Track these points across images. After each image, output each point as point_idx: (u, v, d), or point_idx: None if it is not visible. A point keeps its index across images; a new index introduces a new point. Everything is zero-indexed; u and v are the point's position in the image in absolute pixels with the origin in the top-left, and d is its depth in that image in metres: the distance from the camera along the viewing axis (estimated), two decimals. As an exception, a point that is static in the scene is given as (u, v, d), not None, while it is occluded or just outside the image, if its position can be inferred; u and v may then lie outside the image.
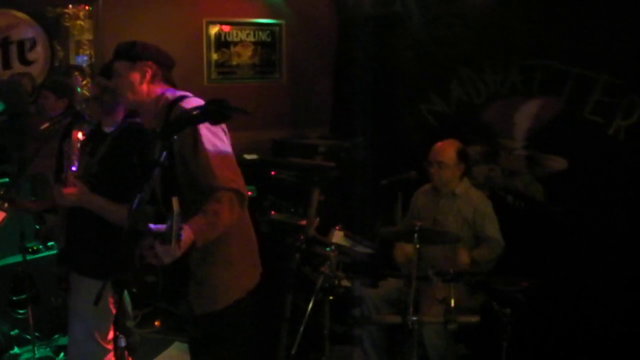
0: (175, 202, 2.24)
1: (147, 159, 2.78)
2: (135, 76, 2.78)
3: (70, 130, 3.89)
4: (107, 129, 3.26)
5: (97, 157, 3.17)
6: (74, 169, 3.05)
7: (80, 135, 3.14)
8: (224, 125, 2.77)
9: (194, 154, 2.61)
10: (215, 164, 2.59)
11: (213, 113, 2.39)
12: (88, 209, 3.04)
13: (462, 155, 4.32)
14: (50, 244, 4.74)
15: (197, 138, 2.60)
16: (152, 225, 2.28)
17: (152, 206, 2.69)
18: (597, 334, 4.17)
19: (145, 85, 2.78)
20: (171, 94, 2.80)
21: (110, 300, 3.13)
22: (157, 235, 2.31)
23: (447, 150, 4.30)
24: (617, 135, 4.20)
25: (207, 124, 2.61)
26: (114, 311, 3.16)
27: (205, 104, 2.47)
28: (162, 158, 2.31)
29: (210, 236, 2.51)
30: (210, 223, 2.47)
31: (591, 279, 4.24)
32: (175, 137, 2.41)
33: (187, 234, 2.35)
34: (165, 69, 2.84)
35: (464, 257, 4.04)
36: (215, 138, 2.66)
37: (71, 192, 2.99)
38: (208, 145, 2.61)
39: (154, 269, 2.62)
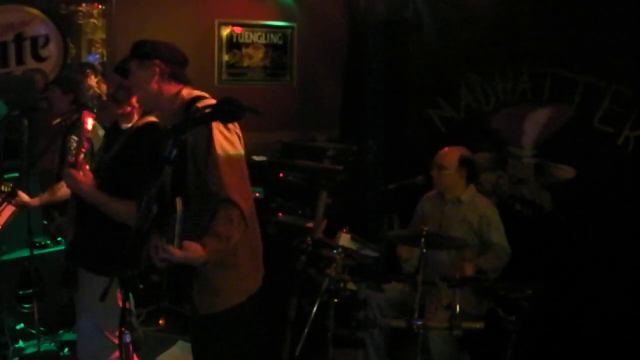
0: (179, 202, 2.26)
1: (157, 156, 2.80)
2: (145, 74, 2.81)
3: (76, 125, 3.92)
4: (124, 126, 3.28)
5: (111, 152, 3.19)
6: (84, 150, 3.08)
7: (90, 120, 3.17)
8: (238, 130, 2.79)
9: (205, 157, 2.63)
10: (224, 171, 2.62)
11: (224, 112, 2.40)
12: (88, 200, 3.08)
13: (464, 162, 4.33)
14: (59, 239, 4.77)
15: (210, 142, 2.62)
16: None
17: (158, 206, 2.71)
18: (602, 342, 4.16)
19: (155, 84, 2.80)
20: (187, 93, 2.83)
21: (119, 295, 3.15)
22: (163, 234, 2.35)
23: (449, 155, 4.33)
24: (626, 145, 4.19)
25: (222, 128, 2.63)
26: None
27: (216, 103, 2.49)
28: (172, 156, 2.32)
29: (221, 257, 2.63)
30: (223, 247, 2.59)
31: (597, 287, 4.23)
32: (188, 135, 2.42)
33: (200, 255, 2.48)
34: (176, 67, 2.85)
35: (468, 270, 4.03)
36: (228, 144, 2.67)
37: (76, 175, 3.01)
38: (219, 150, 2.63)
39: (160, 268, 2.65)
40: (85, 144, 3.11)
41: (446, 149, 4.39)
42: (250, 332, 2.90)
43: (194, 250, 2.48)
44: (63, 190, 4.03)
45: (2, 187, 4.04)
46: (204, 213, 2.66)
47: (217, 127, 2.63)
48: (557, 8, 4.60)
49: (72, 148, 3.95)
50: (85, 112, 3.19)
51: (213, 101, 2.72)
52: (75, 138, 3.96)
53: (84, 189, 3.08)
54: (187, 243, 2.43)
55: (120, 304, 2.86)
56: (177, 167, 2.53)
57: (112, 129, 3.35)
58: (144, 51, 2.82)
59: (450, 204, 4.36)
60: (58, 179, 4.14)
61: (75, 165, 3.07)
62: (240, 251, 2.77)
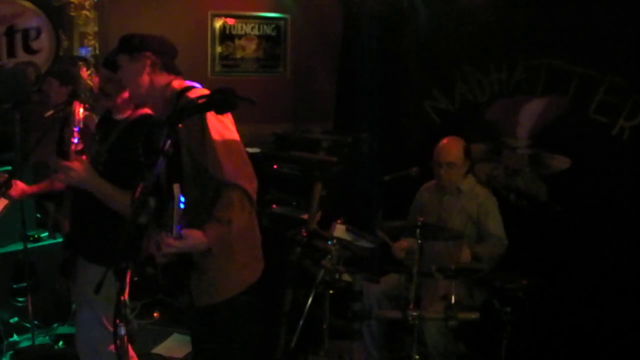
0: (176, 188, 2.25)
1: (152, 147, 2.79)
2: (135, 68, 2.79)
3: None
4: (118, 117, 3.26)
5: (107, 145, 3.17)
6: (75, 141, 3.05)
7: (81, 109, 3.14)
8: (230, 118, 2.77)
9: (201, 144, 2.62)
10: (222, 155, 2.60)
11: (219, 101, 2.39)
12: (88, 190, 3.04)
13: (467, 153, 4.34)
14: (57, 236, 4.75)
15: (204, 128, 2.60)
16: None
17: (155, 198, 2.69)
18: (597, 333, 4.16)
19: (146, 77, 2.79)
20: (178, 83, 2.81)
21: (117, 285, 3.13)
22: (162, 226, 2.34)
23: (453, 150, 4.30)
24: (621, 135, 4.19)
25: (214, 114, 2.61)
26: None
27: (211, 93, 2.47)
28: (167, 147, 2.31)
29: (225, 241, 2.61)
30: (225, 231, 2.56)
31: (592, 278, 4.24)
32: (181, 125, 2.41)
33: (201, 241, 2.48)
34: (166, 58, 2.83)
35: (465, 255, 4.04)
36: (223, 128, 2.66)
37: (72, 166, 2.97)
38: (215, 136, 2.61)
39: (154, 261, 2.63)
40: (76, 134, 3.08)
41: (445, 144, 4.34)
42: (249, 324, 2.90)
43: (194, 237, 2.46)
44: None
45: None
46: (203, 201, 2.65)
47: (210, 113, 2.61)
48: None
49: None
50: (76, 102, 3.16)
51: (205, 91, 2.71)
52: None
53: (86, 177, 3.00)
54: (186, 231, 2.41)
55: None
56: (172, 158, 2.51)
57: (105, 120, 3.32)
58: (133, 45, 2.80)
59: (449, 194, 4.35)
60: (55, 171, 4.12)
61: (69, 157, 3.03)
62: (236, 241, 2.76)
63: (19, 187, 3.89)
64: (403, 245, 4.32)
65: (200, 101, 2.47)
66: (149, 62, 2.78)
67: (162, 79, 2.81)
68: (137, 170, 2.72)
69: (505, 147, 4.96)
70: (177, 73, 2.86)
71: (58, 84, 4.21)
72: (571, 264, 4.35)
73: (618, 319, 4.10)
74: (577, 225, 4.39)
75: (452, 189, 4.34)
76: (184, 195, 2.29)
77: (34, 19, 5.56)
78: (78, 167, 2.97)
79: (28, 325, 4.57)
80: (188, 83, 2.84)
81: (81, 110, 3.15)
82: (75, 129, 3.08)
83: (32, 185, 4.06)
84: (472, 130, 5.04)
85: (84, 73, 4.74)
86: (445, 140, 4.36)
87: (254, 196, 2.65)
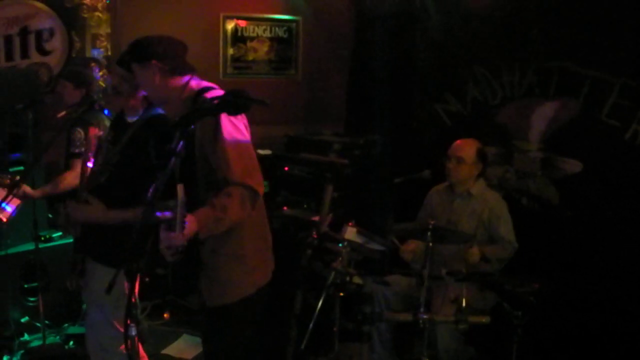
0: (180, 189, 2.25)
1: (164, 148, 2.79)
2: (147, 75, 2.81)
3: (82, 119, 3.92)
4: (130, 118, 3.27)
5: (119, 146, 3.18)
6: (90, 165, 3.09)
7: (97, 131, 3.18)
8: (245, 120, 2.78)
9: (212, 145, 2.62)
10: (232, 156, 2.61)
11: (231, 103, 2.39)
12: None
13: (481, 155, 4.33)
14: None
15: (217, 129, 2.61)
16: (158, 213, 2.32)
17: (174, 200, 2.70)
18: (608, 337, 4.14)
19: (159, 81, 2.80)
20: (196, 84, 2.82)
21: (127, 286, 3.14)
22: (164, 222, 2.34)
23: (467, 147, 4.31)
24: (633, 139, 4.17)
25: (229, 116, 2.61)
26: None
27: (224, 94, 2.48)
28: (179, 147, 2.31)
29: (215, 230, 2.56)
30: (217, 217, 2.52)
31: (603, 282, 4.22)
32: (194, 126, 2.41)
33: (190, 224, 2.41)
34: (174, 61, 2.83)
35: (474, 255, 4.02)
36: (235, 131, 2.67)
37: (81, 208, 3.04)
38: (227, 137, 2.62)
39: (165, 262, 2.64)
40: (92, 158, 3.13)
41: (460, 140, 4.37)
42: (258, 326, 2.90)
43: (189, 222, 2.42)
44: (66, 182, 4.03)
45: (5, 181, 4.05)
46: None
47: (224, 115, 2.61)
48: (564, 1, 4.57)
49: (76, 140, 3.97)
50: (92, 128, 3.21)
51: (221, 92, 2.71)
52: (81, 130, 3.97)
53: (98, 217, 3.08)
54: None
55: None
56: (185, 159, 2.51)
57: (118, 121, 3.34)
58: (138, 54, 2.81)
59: (459, 198, 4.34)
60: (64, 171, 4.15)
61: (84, 187, 3.08)
62: (247, 243, 2.76)
63: (21, 190, 3.93)
64: (410, 248, 4.31)
65: (213, 102, 2.47)
66: (155, 69, 2.78)
67: (175, 80, 2.82)
68: (148, 172, 2.73)
69: (516, 150, 4.94)
70: (190, 71, 2.86)
71: (72, 86, 4.24)
72: (582, 268, 4.33)
73: (629, 323, 4.08)
74: (589, 229, 4.37)
75: (462, 192, 4.32)
76: (196, 197, 2.29)
77: (47, 20, 5.60)
78: (89, 209, 3.08)
79: (39, 324, 4.59)
80: (205, 84, 2.84)
81: (97, 130, 3.20)
82: (91, 154, 3.13)
83: (37, 189, 4.09)
84: (484, 133, 5.02)
85: (97, 74, 4.77)
86: (462, 139, 4.39)
87: (258, 199, 2.63)
